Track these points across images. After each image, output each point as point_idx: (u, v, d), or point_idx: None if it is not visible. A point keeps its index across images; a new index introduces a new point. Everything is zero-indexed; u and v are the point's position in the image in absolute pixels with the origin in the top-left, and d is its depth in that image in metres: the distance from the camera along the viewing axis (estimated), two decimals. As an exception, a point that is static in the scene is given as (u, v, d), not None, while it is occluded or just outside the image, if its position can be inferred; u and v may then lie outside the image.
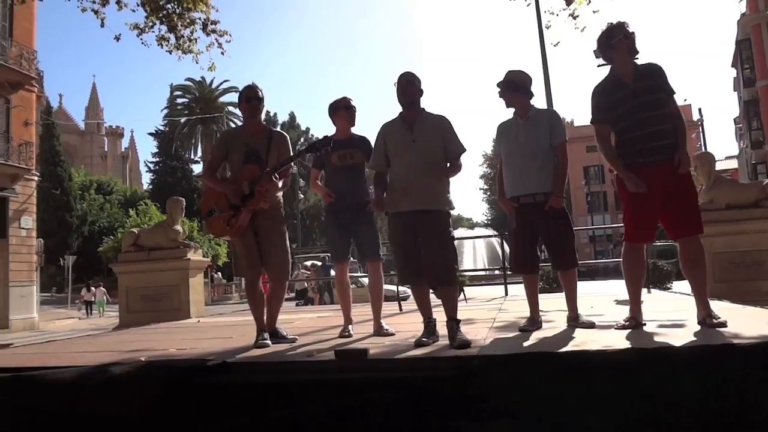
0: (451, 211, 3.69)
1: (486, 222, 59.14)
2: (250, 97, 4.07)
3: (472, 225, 59.09)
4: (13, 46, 18.00)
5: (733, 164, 39.20)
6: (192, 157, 44.71)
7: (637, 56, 3.63)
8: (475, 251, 34.18)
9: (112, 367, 3.17)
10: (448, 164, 3.63)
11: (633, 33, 3.64)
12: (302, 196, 43.84)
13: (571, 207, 41.00)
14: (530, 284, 4.10)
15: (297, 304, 18.20)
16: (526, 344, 3.44)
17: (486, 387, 2.67)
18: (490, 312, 5.60)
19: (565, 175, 4.01)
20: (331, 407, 2.80)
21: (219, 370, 3.07)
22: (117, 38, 7.32)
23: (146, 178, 54.60)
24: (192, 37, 7.54)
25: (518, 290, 5.71)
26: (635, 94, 3.52)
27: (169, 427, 2.88)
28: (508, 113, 4.13)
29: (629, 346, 3.05)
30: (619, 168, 3.58)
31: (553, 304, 4.77)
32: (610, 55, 3.70)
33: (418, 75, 3.69)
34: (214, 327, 5.92)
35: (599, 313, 4.55)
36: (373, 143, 3.93)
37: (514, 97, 4.03)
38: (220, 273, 33.27)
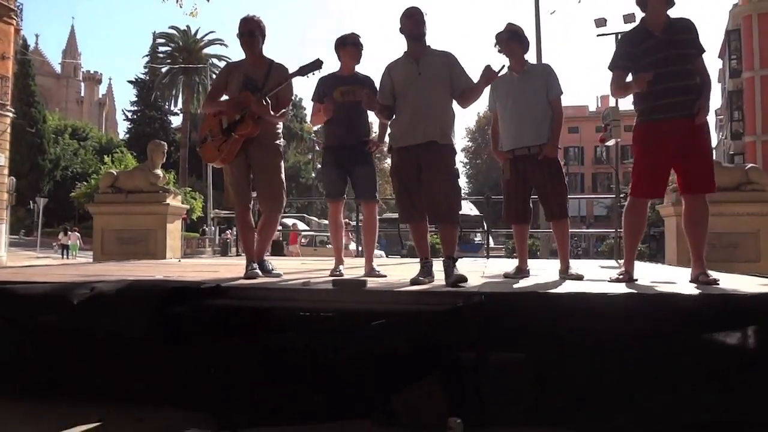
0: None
1: (466, 194, 59.41)
2: (243, 32, 3.93)
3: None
4: (-8, -26, 17.24)
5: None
6: (172, 108, 43.82)
7: (672, 6, 3.55)
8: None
9: (99, 284, 3.09)
10: (464, 97, 3.53)
11: None
12: (292, 111, 43.15)
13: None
14: (521, 234, 4.13)
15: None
16: (518, 284, 3.46)
17: (486, 321, 2.66)
18: (477, 267, 5.62)
19: (560, 127, 4.05)
20: (329, 336, 2.77)
21: (214, 292, 3.01)
22: None
23: (123, 127, 53.60)
24: None
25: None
26: (663, 46, 3.47)
27: (162, 347, 2.83)
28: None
29: (619, 289, 3.07)
30: (631, 86, 3.56)
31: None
32: (645, 1, 3.60)
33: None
34: (197, 265, 5.85)
35: (589, 271, 4.60)
36: (377, 83, 3.83)
37: (517, 48, 4.02)
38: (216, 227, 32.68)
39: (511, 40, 4.01)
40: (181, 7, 7.41)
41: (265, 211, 4.05)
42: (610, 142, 10.77)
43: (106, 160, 32.95)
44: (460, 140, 58.90)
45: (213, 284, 3.09)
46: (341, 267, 4.20)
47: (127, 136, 46.08)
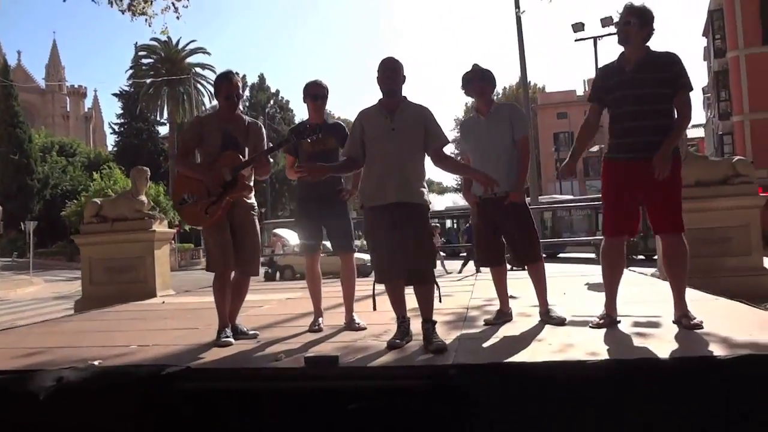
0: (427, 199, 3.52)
1: (456, 186, 59.31)
2: (231, 95, 3.82)
3: (442, 190, 59.14)
4: (-36, 2, 16.99)
5: (700, 133, 39.79)
6: (158, 118, 43.51)
7: (627, 45, 3.47)
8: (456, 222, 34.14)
9: (66, 372, 3.00)
10: (439, 157, 3.44)
11: (626, 21, 3.43)
12: (271, 159, 43.01)
13: (541, 173, 41.27)
14: (498, 277, 4.03)
15: (266, 272, 18.11)
16: (498, 341, 3.37)
17: (460, 398, 2.59)
18: (461, 298, 5.56)
19: (527, 169, 4.01)
20: (299, 417, 2.70)
21: (183, 376, 2.93)
22: None
23: (111, 140, 53.25)
24: None
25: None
26: (632, 83, 3.39)
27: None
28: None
29: (605, 350, 3.00)
30: (574, 155, 3.73)
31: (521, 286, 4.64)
32: (626, 38, 3.50)
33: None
34: (179, 311, 5.75)
35: (572, 302, 4.53)
36: (347, 129, 3.74)
37: (487, 88, 4.00)
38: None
39: (481, 81, 3.95)
40: (150, 26, 7.29)
41: (242, 273, 3.92)
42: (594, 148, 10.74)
43: (95, 176, 32.79)
44: (449, 132, 58.37)
45: (181, 366, 3.00)
46: (320, 320, 4.11)
47: (116, 149, 45.81)
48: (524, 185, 3.96)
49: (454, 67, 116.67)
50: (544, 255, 4.06)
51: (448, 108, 79.70)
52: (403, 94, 3.45)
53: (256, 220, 3.97)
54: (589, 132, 3.73)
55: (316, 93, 4.18)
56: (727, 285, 6.82)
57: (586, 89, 47.37)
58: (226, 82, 3.84)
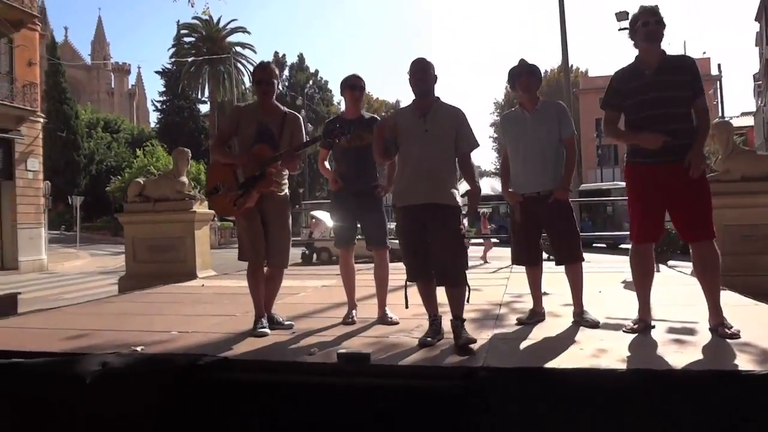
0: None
1: (495, 171, 58.74)
2: (262, 80, 3.90)
3: (480, 174, 58.67)
4: (14, -18, 17.46)
5: (749, 121, 38.29)
6: (199, 97, 44.18)
7: (660, 41, 3.41)
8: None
9: (110, 357, 3.14)
10: (463, 162, 3.49)
11: (658, 20, 3.40)
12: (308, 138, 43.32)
13: (582, 160, 40.46)
14: (533, 276, 4.02)
15: (303, 254, 18.37)
16: (530, 343, 3.39)
17: (490, 400, 2.63)
18: (497, 287, 5.57)
19: (573, 168, 3.99)
20: (329, 412, 2.78)
21: (220, 366, 3.04)
22: None
23: (153, 117, 54.39)
24: None
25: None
26: (652, 86, 3.34)
27: (170, 424, 2.88)
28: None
29: (638, 358, 2.98)
30: (630, 137, 3.48)
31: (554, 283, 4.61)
32: (634, 40, 3.52)
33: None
34: (217, 295, 5.91)
35: (607, 302, 4.51)
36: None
37: (534, 84, 3.94)
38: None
39: (529, 75, 3.92)
40: (192, 6, 7.47)
41: (274, 266, 4.02)
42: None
43: (138, 153, 33.61)
44: (488, 115, 58.13)
45: (219, 357, 3.11)
46: (354, 312, 4.18)
47: (158, 126, 46.73)
48: (569, 184, 3.93)
49: (494, 48, 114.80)
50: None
51: (488, 91, 78.50)
52: (437, 95, 3.48)
53: (289, 213, 4.05)
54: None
55: (354, 84, 4.22)
56: (770, 284, 6.67)
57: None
58: (258, 69, 3.98)
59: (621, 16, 15.51)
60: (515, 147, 3.98)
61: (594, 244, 17.42)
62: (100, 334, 3.95)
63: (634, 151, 3.50)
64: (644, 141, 3.32)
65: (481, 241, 14.66)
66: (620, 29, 15.48)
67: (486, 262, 13.11)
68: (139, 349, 3.39)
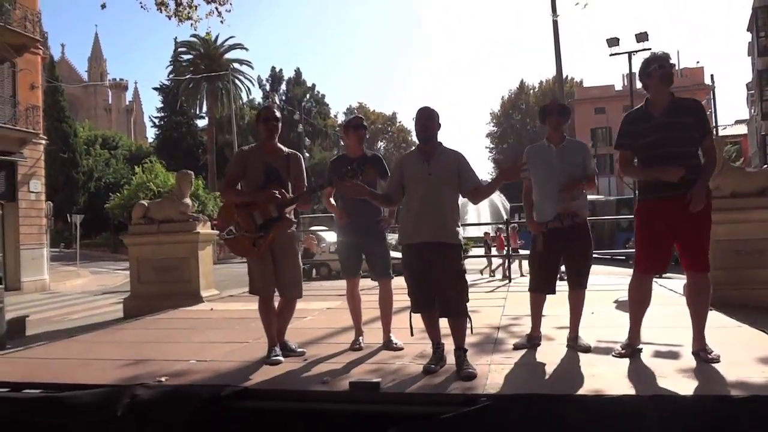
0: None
1: (490, 179, 59.02)
2: (269, 118, 4.15)
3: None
4: (17, 8, 17.73)
5: (743, 129, 38.77)
6: (197, 113, 44.48)
7: (670, 84, 3.66)
8: (479, 213, 34.04)
9: (138, 389, 3.37)
10: (473, 195, 3.77)
11: (670, 65, 3.69)
12: (307, 154, 43.77)
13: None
14: (537, 303, 4.24)
15: (302, 269, 18.53)
16: (527, 369, 3.63)
17: (491, 427, 2.87)
18: (495, 308, 5.82)
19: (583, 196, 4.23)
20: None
21: (241, 396, 3.28)
22: (103, 6, 7.64)
23: (151, 133, 54.62)
24: (192, 4, 7.57)
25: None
26: (663, 127, 3.58)
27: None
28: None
29: (626, 384, 3.23)
30: (650, 173, 3.66)
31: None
32: (646, 83, 3.77)
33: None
34: (227, 320, 6.14)
35: (599, 323, 4.75)
36: (385, 162, 4.05)
37: (564, 122, 4.24)
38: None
39: (560, 115, 4.21)
40: (195, 30, 7.69)
41: (287, 297, 4.25)
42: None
43: (137, 170, 33.77)
44: (485, 125, 58.62)
45: (240, 387, 3.34)
46: (361, 339, 4.43)
47: (156, 142, 46.98)
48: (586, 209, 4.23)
49: (491, 59, 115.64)
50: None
51: (485, 102, 78.91)
52: (439, 140, 3.76)
53: (297, 248, 4.30)
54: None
55: (358, 124, 4.50)
56: (761, 297, 6.89)
57: (625, 84, 46.59)
58: (265, 108, 4.27)
59: (612, 42, 15.94)
60: (541, 174, 4.13)
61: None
62: (121, 364, 4.18)
63: (646, 188, 3.72)
64: (666, 174, 3.51)
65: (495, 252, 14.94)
66: (611, 54, 15.89)
67: (493, 275, 13.38)
68: (163, 379, 3.61)
